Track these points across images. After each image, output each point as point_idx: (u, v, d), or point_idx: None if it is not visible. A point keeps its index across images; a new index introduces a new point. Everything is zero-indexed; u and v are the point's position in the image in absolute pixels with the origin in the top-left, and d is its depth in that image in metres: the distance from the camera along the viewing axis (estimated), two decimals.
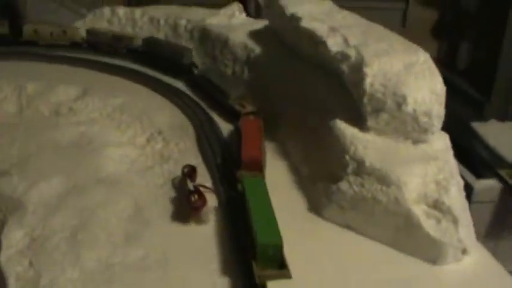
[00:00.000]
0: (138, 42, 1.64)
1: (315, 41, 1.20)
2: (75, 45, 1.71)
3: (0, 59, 1.58)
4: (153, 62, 1.57)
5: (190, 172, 1.08)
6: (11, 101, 1.44)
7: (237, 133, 1.17)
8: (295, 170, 1.16)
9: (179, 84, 1.49)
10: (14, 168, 1.13)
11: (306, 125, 1.19)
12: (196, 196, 1.01)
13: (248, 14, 2.60)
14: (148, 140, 1.26)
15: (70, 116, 1.36)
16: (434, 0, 3.04)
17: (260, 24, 1.59)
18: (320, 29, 1.22)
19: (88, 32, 1.70)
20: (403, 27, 2.97)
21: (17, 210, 1.03)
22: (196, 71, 1.52)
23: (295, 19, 1.31)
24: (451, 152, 1.06)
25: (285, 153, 1.20)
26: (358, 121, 1.08)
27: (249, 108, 1.25)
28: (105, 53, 1.65)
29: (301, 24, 1.26)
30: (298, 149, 1.18)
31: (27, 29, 1.74)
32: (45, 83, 1.46)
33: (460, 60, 3.15)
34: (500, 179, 2.34)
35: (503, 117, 2.84)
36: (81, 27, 1.74)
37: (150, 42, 1.61)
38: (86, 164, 1.15)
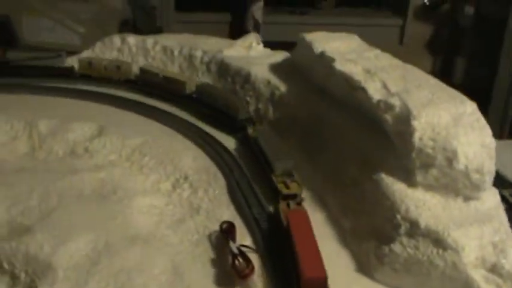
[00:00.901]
0: (191, 88, 1.51)
1: (352, 86, 1.15)
2: (129, 82, 1.61)
3: (9, 91, 1.50)
4: (204, 112, 1.45)
5: (229, 230, 1.02)
6: (22, 140, 1.36)
7: (276, 220, 1.06)
8: (334, 222, 1.11)
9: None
10: (37, 224, 1.06)
11: (343, 174, 1.14)
12: (241, 260, 0.95)
13: (246, 31, 2.56)
14: (174, 186, 1.20)
15: (86, 157, 1.29)
16: (431, 16, 3.03)
17: (279, 56, 1.53)
18: (357, 72, 1.17)
19: (142, 70, 1.59)
20: (401, 45, 2.95)
21: (46, 275, 0.96)
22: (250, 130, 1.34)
23: (326, 59, 1.25)
24: (502, 209, 1.03)
25: (321, 204, 1.14)
26: (404, 175, 1.03)
27: (294, 189, 1.10)
28: (157, 96, 1.54)
29: (335, 65, 1.21)
30: (336, 200, 1.12)
31: (82, 62, 1.66)
32: (58, 120, 1.39)
33: (456, 76, 3.14)
34: (504, 199, 2.33)
35: (500, 135, 2.83)
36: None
37: (203, 89, 1.48)
38: (114, 219, 1.08)
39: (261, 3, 2.71)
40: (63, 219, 1.07)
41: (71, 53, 2.18)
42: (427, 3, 3.05)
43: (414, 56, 2.83)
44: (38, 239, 1.03)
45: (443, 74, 3.12)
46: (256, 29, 2.72)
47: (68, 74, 1.66)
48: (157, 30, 2.59)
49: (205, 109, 1.44)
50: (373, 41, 2.84)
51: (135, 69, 1.62)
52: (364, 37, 2.97)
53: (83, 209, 1.11)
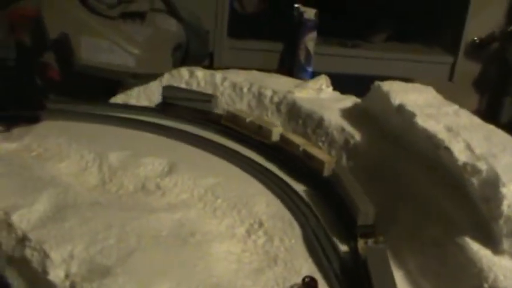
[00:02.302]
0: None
1: (436, 145, 1.15)
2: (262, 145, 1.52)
3: (83, 120, 1.52)
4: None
5: (312, 285, 1.03)
6: (92, 172, 1.38)
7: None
8: (413, 281, 1.10)
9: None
10: (117, 267, 1.06)
11: (423, 232, 1.14)
12: None
13: (297, 61, 2.57)
14: (248, 232, 1.20)
15: (159, 195, 1.30)
16: (480, 54, 3.02)
17: (349, 101, 1.54)
18: (439, 130, 1.17)
19: (282, 138, 1.49)
20: (450, 81, 2.94)
21: None
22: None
23: (406, 113, 1.26)
24: None
25: (399, 262, 1.14)
26: (490, 241, 1.03)
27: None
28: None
29: (417, 121, 1.22)
30: (415, 259, 1.12)
31: (228, 113, 1.61)
32: (129, 153, 1.40)
33: (503, 115, 3.13)
34: None
35: None
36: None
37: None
38: (195, 265, 1.08)
39: (314, 34, 2.70)
40: (144, 263, 1.08)
41: (126, 73, 2.23)
42: (477, 41, 3.04)
43: (463, 94, 2.83)
44: (119, 283, 1.03)
45: (490, 112, 3.11)
46: (308, 59, 2.72)
47: (216, 121, 1.61)
48: (209, 55, 2.61)
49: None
50: (422, 77, 2.84)
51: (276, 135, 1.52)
52: (414, 73, 2.97)
53: (163, 252, 1.11)
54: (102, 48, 2.39)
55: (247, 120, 1.54)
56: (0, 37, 2.30)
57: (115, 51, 2.41)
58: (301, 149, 1.41)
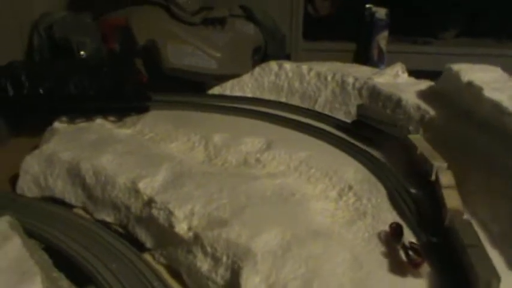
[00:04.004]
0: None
1: (501, 112, 1.40)
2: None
3: (186, 109, 1.83)
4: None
5: (398, 228, 1.28)
6: (199, 151, 1.67)
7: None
8: (483, 226, 1.34)
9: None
10: (232, 218, 1.34)
11: (491, 188, 1.38)
12: (413, 252, 1.21)
13: (371, 59, 2.81)
14: (339, 195, 1.47)
15: (259, 167, 1.58)
16: None
17: (424, 85, 1.79)
18: (504, 99, 1.42)
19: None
20: None
21: (247, 257, 1.23)
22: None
23: (474, 87, 1.51)
24: None
25: (472, 213, 1.38)
26: None
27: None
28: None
29: (484, 93, 1.46)
30: (485, 209, 1.36)
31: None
32: (231, 135, 1.69)
33: None
34: None
35: None
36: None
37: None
38: (297, 216, 1.35)
39: (386, 33, 2.94)
40: (254, 215, 1.34)
41: (209, 75, 2.53)
42: None
43: None
44: (235, 229, 1.29)
45: None
46: (380, 57, 2.97)
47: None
48: (286, 57, 2.88)
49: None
50: None
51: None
52: None
53: (268, 207, 1.38)
54: (186, 52, 2.71)
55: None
56: (94, 46, 2.64)
57: (198, 55, 2.72)
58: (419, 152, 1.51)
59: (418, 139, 1.51)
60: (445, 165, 1.39)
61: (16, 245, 1.31)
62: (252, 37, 2.83)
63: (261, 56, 2.84)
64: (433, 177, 1.38)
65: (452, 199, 1.28)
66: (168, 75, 2.59)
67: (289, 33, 2.95)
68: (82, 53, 2.55)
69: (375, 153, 1.61)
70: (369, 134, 1.72)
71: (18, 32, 2.63)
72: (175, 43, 2.66)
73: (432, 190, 1.36)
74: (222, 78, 2.31)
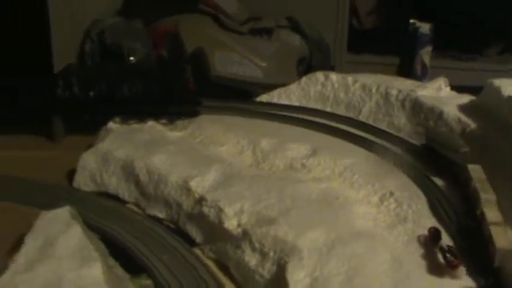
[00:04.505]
0: None
1: None
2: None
3: (234, 115, 1.94)
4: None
5: (436, 232, 1.37)
6: (247, 154, 1.78)
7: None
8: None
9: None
10: (279, 217, 1.43)
11: None
12: (450, 255, 1.29)
13: (413, 74, 2.89)
14: (381, 200, 1.55)
15: (305, 172, 1.67)
16: None
17: (465, 99, 1.88)
18: None
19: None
20: None
21: (293, 253, 1.32)
22: None
23: None
24: None
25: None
26: None
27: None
28: None
29: None
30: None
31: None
32: (277, 140, 1.79)
33: None
34: None
35: None
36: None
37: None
38: (340, 219, 1.44)
39: (430, 48, 2.99)
40: (300, 216, 1.42)
41: (255, 84, 2.63)
42: None
43: None
44: (283, 227, 1.37)
45: None
46: (424, 72, 3.03)
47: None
48: (330, 69, 2.98)
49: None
50: None
51: None
52: None
53: (314, 209, 1.46)
54: (233, 61, 2.82)
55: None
56: (144, 51, 2.76)
57: (245, 64, 2.83)
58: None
59: (476, 170, 1.55)
60: (493, 197, 1.43)
61: (77, 232, 1.42)
62: (297, 48, 2.93)
63: (306, 67, 2.94)
64: (480, 211, 1.41)
65: (500, 237, 1.29)
66: (215, 83, 2.70)
67: (334, 45, 3.05)
68: (132, 58, 2.67)
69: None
70: (434, 158, 1.75)
71: (71, 38, 2.77)
72: (222, 51, 2.77)
73: (479, 222, 1.43)
74: (267, 88, 2.40)
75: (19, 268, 1.32)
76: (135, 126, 1.93)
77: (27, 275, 1.30)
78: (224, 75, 2.72)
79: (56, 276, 1.29)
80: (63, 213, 1.49)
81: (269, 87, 2.38)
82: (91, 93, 2.01)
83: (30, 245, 1.39)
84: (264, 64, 2.82)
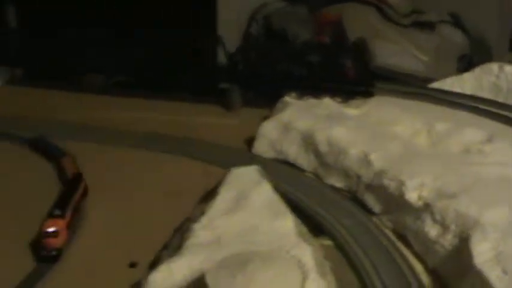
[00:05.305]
0: None
1: None
2: None
3: (407, 98, 2.04)
4: None
5: None
6: (422, 136, 1.86)
7: None
8: None
9: None
10: (460, 193, 1.49)
11: None
12: None
13: None
14: None
15: (481, 156, 1.73)
16: None
17: None
18: None
19: None
20: None
21: (476, 228, 1.37)
22: None
23: None
24: None
25: None
26: None
27: None
28: None
29: None
30: None
31: None
32: (452, 125, 1.86)
33: None
34: None
35: None
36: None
37: None
38: None
39: None
40: (482, 193, 1.47)
41: (414, 77, 2.68)
42: None
43: None
44: (464, 202, 1.43)
45: None
46: None
47: None
48: None
49: None
50: None
51: None
52: None
53: (494, 189, 1.50)
54: (394, 52, 2.88)
55: None
56: (307, 37, 2.88)
57: (406, 56, 2.88)
58: None
59: None
60: None
61: (267, 188, 1.56)
62: (458, 44, 2.95)
63: (466, 64, 2.96)
64: None
65: None
66: (374, 73, 2.77)
67: (496, 44, 3.05)
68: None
69: None
70: None
71: (236, 22, 2.90)
72: (384, 42, 2.84)
73: None
74: (426, 82, 2.44)
75: (216, 214, 1.47)
76: (312, 101, 2.05)
77: (224, 221, 1.44)
78: (384, 66, 2.79)
79: (250, 224, 1.42)
80: (252, 171, 1.63)
81: (429, 82, 2.41)
82: (272, 69, 2.15)
83: (224, 196, 1.54)
84: (425, 58, 2.85)
